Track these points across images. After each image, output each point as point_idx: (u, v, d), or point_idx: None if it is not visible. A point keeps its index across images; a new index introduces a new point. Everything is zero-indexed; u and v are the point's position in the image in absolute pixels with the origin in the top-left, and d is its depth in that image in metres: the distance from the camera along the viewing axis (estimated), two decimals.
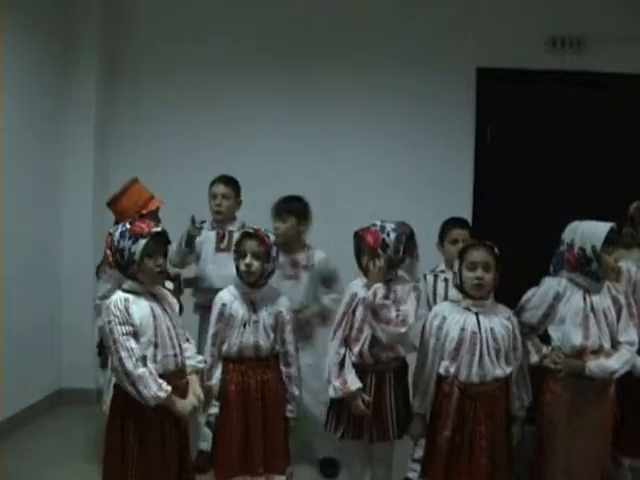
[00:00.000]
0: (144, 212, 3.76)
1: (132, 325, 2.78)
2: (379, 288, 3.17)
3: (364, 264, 3.25)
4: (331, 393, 3.25)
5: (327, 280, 4.09)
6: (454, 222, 3.87)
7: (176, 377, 2.91)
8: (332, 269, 4.08)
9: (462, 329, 3.11)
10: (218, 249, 4.20)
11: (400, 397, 3.34)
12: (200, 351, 3.24)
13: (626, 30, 4.79)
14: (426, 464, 3.24)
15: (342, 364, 3.24)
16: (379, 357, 3.26)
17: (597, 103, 4.98)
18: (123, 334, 2.75)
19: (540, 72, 4.96)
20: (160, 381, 2.78)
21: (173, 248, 3.95)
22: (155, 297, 2.94)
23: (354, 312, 3.26)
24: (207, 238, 4.24)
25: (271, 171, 4.95)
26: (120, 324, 2.76)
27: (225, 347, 3.22)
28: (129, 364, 2.72)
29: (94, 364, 4.11)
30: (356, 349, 3.24)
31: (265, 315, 3.26)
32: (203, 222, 4.15)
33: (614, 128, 4.98)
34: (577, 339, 3.12)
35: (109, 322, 2.77)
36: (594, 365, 3.08)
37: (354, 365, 3.25)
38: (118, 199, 3.87)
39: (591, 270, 3.12)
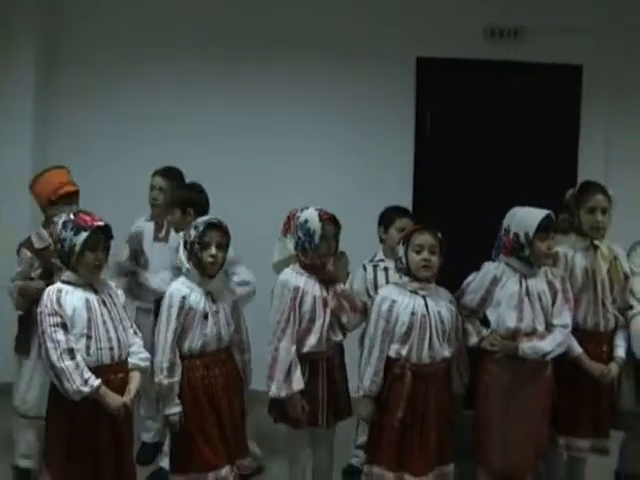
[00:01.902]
0: (53, 198, 3.67)
1: (61, 316, 2.74)
2: (352, 280, 3.27)
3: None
4: (273, 391, 3.21)
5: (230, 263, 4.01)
6: (400, 211, 3.90)
7: (111, 371, 2.85)
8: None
9: (412, 313, 3.15)
10: (156, 239, 4.13)
11: (345, 377, 3.41)
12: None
13: (562, 21, 4.89)
14: (374, 448, 3.26)
15: (291, 363, 3.21)
16: (331, 342, 3.30)
17: (534, 92, 5.08)
18: (51, 325, 2.72)
19: (479, 62, 5.02)
20: (87, 375, 2.73)
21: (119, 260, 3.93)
22: (95, 289, 2.88)
23: (300, 305, 3.24)
24: (146, 229, 4.17)
25: (209, 163, 4.87)
26: (49, 315, 2.74)
27: (187, 343, 3.08)
28: (54, 356, 2.69)
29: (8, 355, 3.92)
30: (312, 339, 3.24)
31: (224, 304, 3.21)
32: (139, 234, 4.07)
33: (551, 117, 5.09)
34: (511, 322, 3.19)
35: (40, 312, 2.76)
36: (527, 347, 3.16)
37: (307, 356, 3.25)
38: (33, 184, 3.82)
39: (525, 255, 3.19)
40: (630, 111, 5.07)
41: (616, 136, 5.05)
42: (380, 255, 3.91)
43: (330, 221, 3.24)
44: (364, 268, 3.88)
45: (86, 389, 2.71)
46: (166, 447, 3.59)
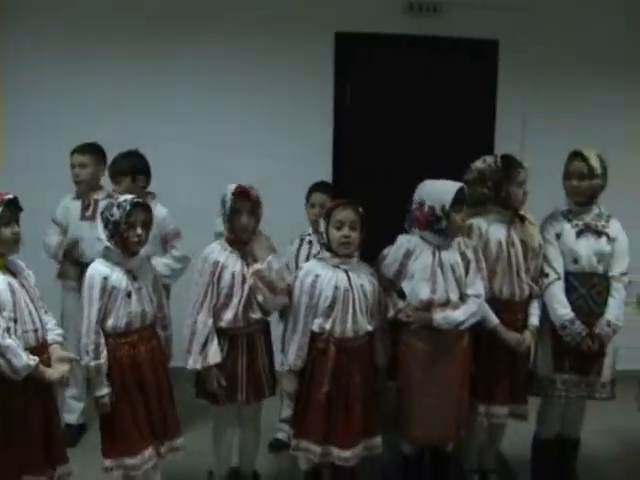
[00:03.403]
0: None
1: None
2: (272, 261, 3.21)
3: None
4: (190, 364, 3.22)
5: (164, 240, 3.99)
6: (315, 186, 3.93)
7: (36, 352, 2.79)
8: (174, 228, 4.01)
9: (336, 287, 3.17)
10: (83, 217, 4.08)
11: (268, 355, 3.40)
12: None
13: None
14: (300, 422, 3.29)
15: (208, 336, 3.21)
16: (250, 319, 3.28)
17: (452, 67, 5.16)
18: None
19: (397, 36, 5.06)
20: (25, 352, 2.70)
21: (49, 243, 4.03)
22: (12, 272, 2.83)
23: (219, 280, 3.23)
24: (72, 207, 4.12)
25: (142, 135, 4.68)
26: None
27: (111, 322, 3.03)
28: None
29: None
30: (229, 315, 3.23)
31: (146, 281, 3.16)
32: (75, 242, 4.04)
33: (468, 91, 5.19)
34: (425, 293, 3.24)
35: None
36: (440, 317, 3.22)
37: (225, 331, 3.25)
38: None
39: (440, 228, 3.23)
40: (546, 85, 5.20)
41: (532, 110, 5.18)
42: (310, 230, 3.92)
43: (240, 195, 3.20)
44: (291, 243, 3.92)
45: (32, 362, 2.68)
46: None
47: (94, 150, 4.11)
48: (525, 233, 3.49)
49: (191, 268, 3.68)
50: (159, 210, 3.82)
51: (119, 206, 3.03)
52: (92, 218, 3.95)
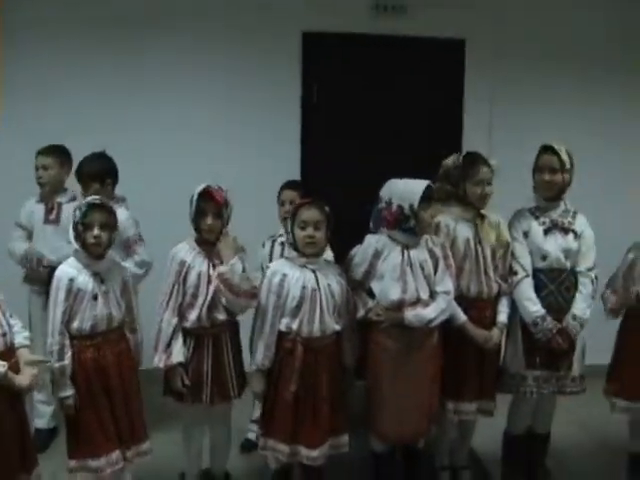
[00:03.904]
0: None
1: None
2: (235, 264, 3.20)
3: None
4: (155, 362, 3.23)
5: (126, 244, 3.91)
6: (285, 184, 3.94)
7: (5, 357, 2.74)
8: (135, 233, 3.95)
9: (303, 287, 3.17)
10: (46, 221, 4.01)
11: (236, 356, 3.38)
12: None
13: None
14: (268, 422, 3.28)
15: (172, 335, 3.21)
16: (215, 320, 3.27)
17: (419, 66, 5.17)
18: None
19: (364, 36, 5.06)
20: None
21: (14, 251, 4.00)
22: None
23: (185, 280, 3.22)
24: (36, 210, 4.06)
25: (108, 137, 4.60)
26: None
27: (76, 324, 3.01)
28: None
29: None
30: (193, 315, 3.23)
31: (113, 284, 3.14)
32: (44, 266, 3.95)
33: (436, 90, 5.20)
34: (395, 293, 3.23)
35: None
36: (411, 315, 3.22)
37: (190, 331, 3.25)
38: None
39: (409, 226, 3.23)
40: (512, 83, 5.23)
41: (499, 108, 5.21)
42: (281, 230, 3.89)
43: (206, 196, 3.19)
44: (263, 245, 3.91)
45: (2, 369, 2.64)
46: None
47: (59, 152, 4.05)
48: (483, 232, 3.47)
49: (158, 272, 3.62)
50: (120, 214, 3.73)
51: (79, 208, 3.03)
52: (56, 221, 3.94)
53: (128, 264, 3.74)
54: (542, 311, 3.46)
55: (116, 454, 3.05)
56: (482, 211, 3.50)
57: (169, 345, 3.20)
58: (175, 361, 3.20)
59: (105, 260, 3.11)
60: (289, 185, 3.92)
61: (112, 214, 3.10)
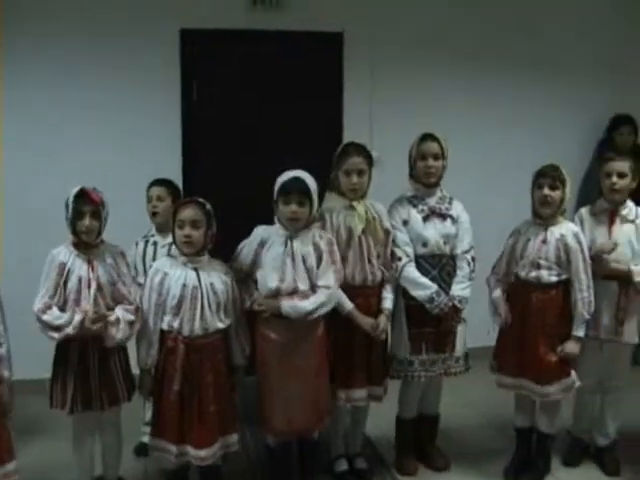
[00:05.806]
0: None
1: None
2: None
3: None
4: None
5: None
6: (152, 182, 3.96)
7: None
8: None
9: (184, 285, 3.16)
10: None
11: (123, 359, 3.33)
12: None
13: None
14: (157, 422, 3.26)
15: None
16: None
17: (297, 60, 5.17)
18: None
19: (242, 31, 5.03)
20: None
21: None
22: None
23: (65, 283, 3.14)
24: None
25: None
26: None
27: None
28: None
29: None
30: (77, 318, 3.11)
31: None
32: None
33: (315, 84, 5.22)
34: (273, 282, 3.26)
35: None
36: (288, 305, 3.24)
37: (74, 337, 3.12)
38: None
39: (278, 217, 3.33)
40: (389, 75, 5.30)
41: (378, 99, 5.27)
42: (153, 230, 3.91)
43: (82, 197, 3.12)
44: (136, 245, 3.87)
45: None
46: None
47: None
48: (352, 222, 3.50)
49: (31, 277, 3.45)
50: None
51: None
52: None
53: None
54: (435, 287, 3.56)
55: None
56: (353, 202, 3.50)
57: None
58: None
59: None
60: (156, 182, 3.94)
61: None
